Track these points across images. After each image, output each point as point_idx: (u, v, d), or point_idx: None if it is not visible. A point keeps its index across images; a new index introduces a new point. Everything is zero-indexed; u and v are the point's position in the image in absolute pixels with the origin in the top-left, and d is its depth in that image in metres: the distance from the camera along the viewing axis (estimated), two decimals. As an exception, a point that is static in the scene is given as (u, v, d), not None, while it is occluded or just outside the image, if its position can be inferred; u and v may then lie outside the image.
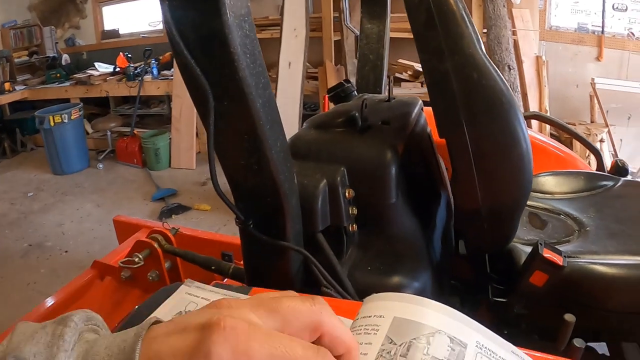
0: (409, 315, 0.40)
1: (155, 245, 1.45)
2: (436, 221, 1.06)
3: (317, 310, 0.33)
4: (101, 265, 1.57)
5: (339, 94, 1.14)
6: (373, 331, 0.39)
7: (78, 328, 0.33)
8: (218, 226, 3.30)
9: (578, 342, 0.80)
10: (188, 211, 3.58)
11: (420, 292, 0.85)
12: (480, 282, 1.09)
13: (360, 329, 0.40)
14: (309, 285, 0.80)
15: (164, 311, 0.56)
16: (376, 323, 0.40)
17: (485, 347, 0.40)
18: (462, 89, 0.84)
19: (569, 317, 0.83)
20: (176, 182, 4.08)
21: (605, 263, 0.95)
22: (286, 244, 0.75)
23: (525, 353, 0.45)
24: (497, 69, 0.86)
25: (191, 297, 0.58)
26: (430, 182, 1.07)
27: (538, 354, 0.54)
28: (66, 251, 3.20)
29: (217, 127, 0.63)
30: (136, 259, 1.45)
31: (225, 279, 1.34)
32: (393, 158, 0.86)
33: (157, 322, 0.33)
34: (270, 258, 0.79)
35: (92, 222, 3.58)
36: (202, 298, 0.57)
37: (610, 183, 1.31)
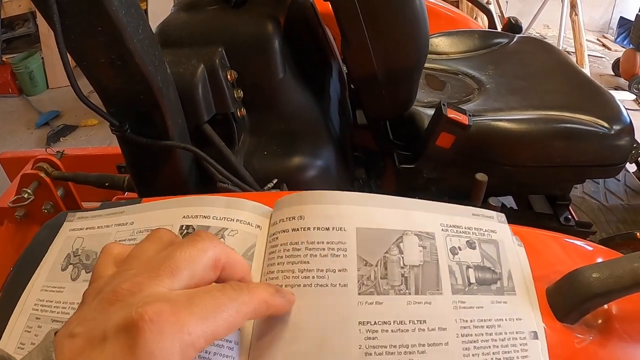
0: (370, 224, 0.39)
1: (42, 174, 1.34)
2: (330, 93, 1.01)
3: (208, 246, 0.31)
4: (-3, 210, 1.44)
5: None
6: (342, 252, 0.37)
7: None
8: (110, 139, 3.05)
9: (493, 201, 0.81)
10: (75, 130, 3.36)
11: (324, 169, 0.83)
12: (385, 150, 1.07)
13: (324, 249, 0.37)
14: (205, 184, 0.75)
15: (52, 259, 0.50)
16: (340, 240, 0.38)
17: (451, 225, 0.40)
18: None
19: (481, 176, 0.83)
20: (58, 103, 3.77)
21: (511, 119, 0.95)
22: (169, 142, 0.68)
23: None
24: None
25: (76, 233, 0.51)
26: (319, 53, 1.00)
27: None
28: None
29: (64, 24, 0.54)
30: (25, 195, 1.33)
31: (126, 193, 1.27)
32: (275, 30, 0.78)
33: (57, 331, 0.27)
34: (157, 162, 0.72)
35: (-20, 167, 3.26)
36: (87, 229, 0.51)
37: (505, 40, 1.30)
